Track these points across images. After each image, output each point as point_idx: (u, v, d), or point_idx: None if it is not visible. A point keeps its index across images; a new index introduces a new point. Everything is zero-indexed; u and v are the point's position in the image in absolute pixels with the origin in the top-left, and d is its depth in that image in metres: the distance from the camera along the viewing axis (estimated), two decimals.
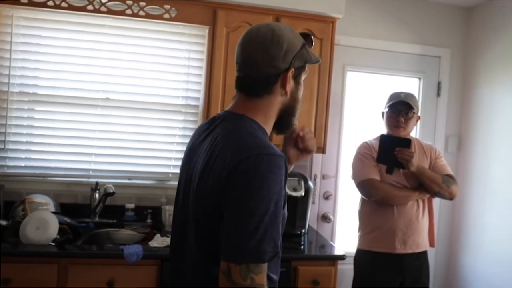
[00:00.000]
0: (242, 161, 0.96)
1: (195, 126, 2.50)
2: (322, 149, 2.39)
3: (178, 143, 2.50)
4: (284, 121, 1.15)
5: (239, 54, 1.11)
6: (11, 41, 2.30)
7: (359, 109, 2.84)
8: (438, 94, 2.92)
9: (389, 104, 2.18)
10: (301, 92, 1.15)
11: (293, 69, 1.08)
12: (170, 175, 2.50)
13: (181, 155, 2.55)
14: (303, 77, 1.14)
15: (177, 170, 2.50)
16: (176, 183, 2.57)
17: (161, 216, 2.31)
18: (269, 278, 1.03)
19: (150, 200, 2.43)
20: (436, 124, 2.93)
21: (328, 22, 2.36)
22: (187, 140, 2.51)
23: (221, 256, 0.96)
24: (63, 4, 2.11)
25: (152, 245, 1.97)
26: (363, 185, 2.14)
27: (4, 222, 2.07)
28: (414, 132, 2.87)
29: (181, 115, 2.49)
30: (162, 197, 2.42)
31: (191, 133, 2.49)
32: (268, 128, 1.13)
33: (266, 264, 0.96)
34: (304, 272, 2.03)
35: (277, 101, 1.10)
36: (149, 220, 2.39)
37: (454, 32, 2.92)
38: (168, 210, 2.26)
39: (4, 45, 2.30)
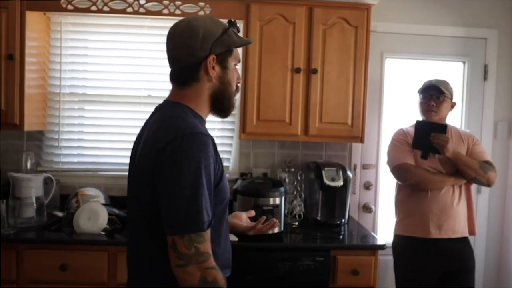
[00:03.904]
0: (169, 142, 1.04)
1: (233, 119, 2.56)
2: (360, 139, 2.37)
3: (217, 137, 2.57)
4: (218, 105, 1.20)
5: (166, 51, 1.19)
6: (61, 46, 2.48)
7: (400, 97, 2.77)
8: (485, 78, 2.78)
9: (421, 89, 2.22)
10: (231, 76, 1.19)
11: (214, 55, 1.13)
12: None
13: (221, 148, 2.62)
14: (231, 61, 1.19)
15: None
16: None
17: None
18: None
19: None
20: (483, 109, 2.79)
21: (363, 9, 2.32)
22: (225, 134, 2.59)
23: (166, 232, 1.04)
24: (105, 8, 2.23)
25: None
26: (397, 169, 2.18)
27: (60, 214, 2.24)
28: (460, 119, 2.77)
29: None
30: None
31: (229, 126, 2.58)
32: (203, 113, 1.19)
33: (208, 234, 1.05)
34: (343, 261, 2.03)
35: (206, 87, 1.16)
36: None
37: (500, 11, 2.76)
38: None
39: (55, 50, 2.48)
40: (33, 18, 2.26)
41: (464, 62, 2.79)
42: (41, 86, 2.43)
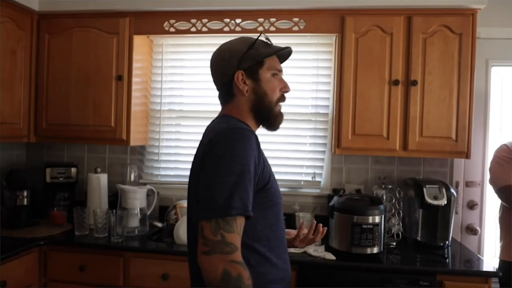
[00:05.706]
0: (213, 137, 1.10)
1: (325, 134, 2.52)
2: (466, 154, 2.19)
3: (308, 151, 2.55)
4: (261, 115, 1.24)
5: None
6: (161, 66, 2.64)
7: (508, 108, 2.53)
8: None
9: None
10: (266, 87, 1.23)
11: (241, 71, 1.20)
12: (302, 183, 2.55)
13: (312, 163, 2.59)
14: (263, 73, 1.23)
15: (309, 178, 2.55)
16: (308, 190, 2.60)
17: (295, 223, 2.36)
18: (256, 251, 1.11)
19: (284, 207, 2.46)
20: None
21: (468, 14, 2.16)
22: (317, 148, 2.55)
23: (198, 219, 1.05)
24: (204, 29, 2.33)
25: (288, 250, 2.02)
26: (503, 191, 2.01)
27: (160, 224, 2.35)
28: None
29: (311, 124, 2.53)
30: (295, 204, 2.47)
31: (321, 141, 2.53)
32: (252, 126, 1.23)
33: (238, 225, 1.02)
34: None
35: (243, 101, 1.23)
36: None
37: None
38: (302, 217, 2.31)
39: (156, 70, 2.65)
40: (138, 41, 2.44)
41: None
42: (143, 104, 2.61)
